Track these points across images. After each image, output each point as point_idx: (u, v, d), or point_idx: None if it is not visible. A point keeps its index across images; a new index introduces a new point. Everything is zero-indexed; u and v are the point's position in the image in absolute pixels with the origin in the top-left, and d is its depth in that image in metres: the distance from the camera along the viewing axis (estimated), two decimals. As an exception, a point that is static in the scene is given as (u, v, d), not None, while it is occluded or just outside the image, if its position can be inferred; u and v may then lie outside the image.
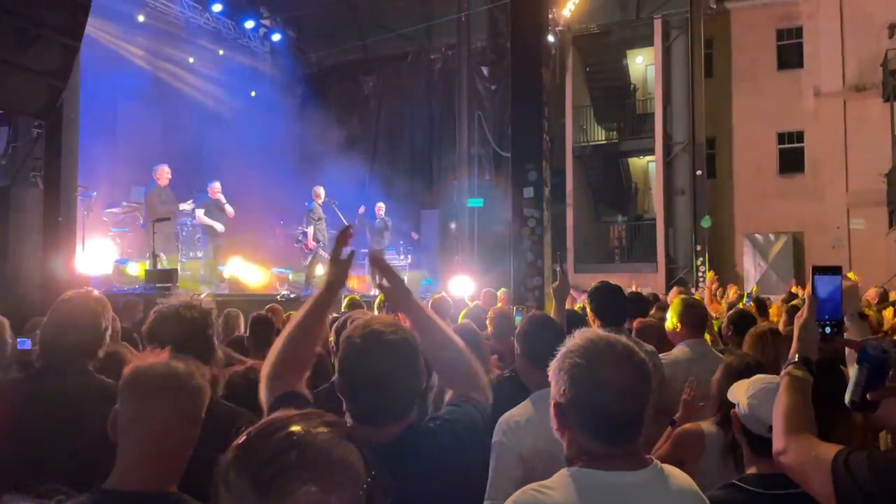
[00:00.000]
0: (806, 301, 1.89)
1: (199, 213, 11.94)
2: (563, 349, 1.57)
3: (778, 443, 1.73)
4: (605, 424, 1.49)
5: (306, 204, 13.30)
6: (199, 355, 2.12)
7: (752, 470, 2.13)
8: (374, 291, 12.67)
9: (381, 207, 14.42)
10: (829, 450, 1.62)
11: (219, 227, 11.96)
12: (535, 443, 2.40)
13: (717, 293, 8.19)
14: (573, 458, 1.53)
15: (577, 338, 1.58)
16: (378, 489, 1.02)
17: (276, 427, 0.99)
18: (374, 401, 1.75)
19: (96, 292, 2.64)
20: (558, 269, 3.76)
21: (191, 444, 1.69)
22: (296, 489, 0.93)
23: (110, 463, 1.67)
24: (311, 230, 12.95)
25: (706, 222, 18.07)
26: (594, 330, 1.61)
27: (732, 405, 2.53)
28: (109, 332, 2.56)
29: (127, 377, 1.70)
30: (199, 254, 12.72)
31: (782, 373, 1.84)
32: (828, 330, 1.88)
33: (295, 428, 0.99)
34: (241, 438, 1.01)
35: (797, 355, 1.83)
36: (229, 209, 12.01)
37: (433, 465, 1.75)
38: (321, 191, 13.22)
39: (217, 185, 12.13)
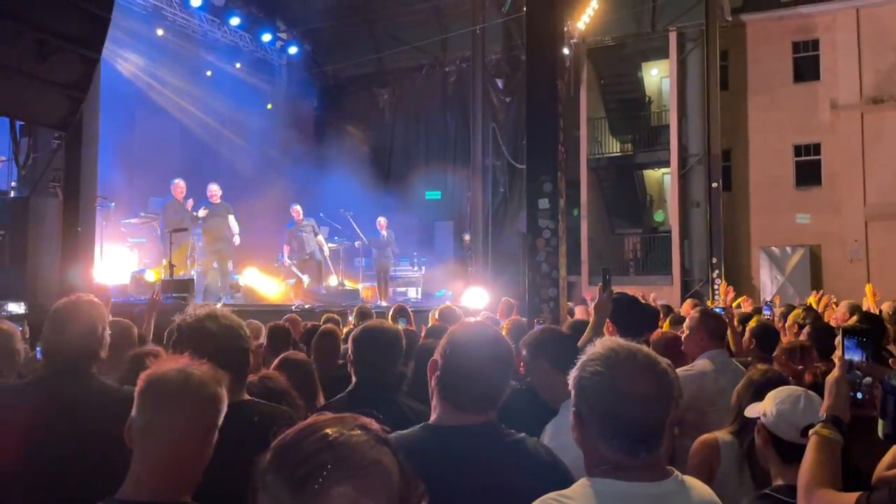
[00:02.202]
0: (837, 362, 1.89)
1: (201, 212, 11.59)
2: (583, 358, 1.56)
3: (800, 502, 1.73)
4: (625, 434, 1.48)
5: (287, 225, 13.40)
6: (232, 365, 2.12)
7: (779, 481, 2.12)
8: (383, 303, 12.71)
9: (382, 223, 14.17)
10: (850, 498, 1.62)
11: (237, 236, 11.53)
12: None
13: (731, 303, 8.10)
14: (593, 468, 1.52)
15: (597, 346, 1.57)
16: (412, 493, 1.03)
17: (312, 429, 1.02)
18: (470, 387, 1.86)
19: (90, 296, 2.63)
20: (600, 285, 3.70)
21: (206, 453, 1.67)
22: (330, 489, 0.95)
23: (118, 468, 1.66)
24: (287, 249, 13.06)
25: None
26: (615, 339, 1.60)
27: (748, 416, 2.52)
28: (108, 333, 2.56)
29: (141, 385, 1.69)
30: (215, 264, 12.76)
31: (810, 432, 1.83)
32: (859, 395, 1.87)
33: (330, 430, 1.01)
34: (278, 440, 1.04)
35: (826, 414, 1.81)
36: (234, 224, 11.78)
37: (502, 461, 1.82)
38: (296, 209, 13.25)
39: (214, 187, 11.75)
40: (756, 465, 2.55)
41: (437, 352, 1.94)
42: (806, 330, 4.92)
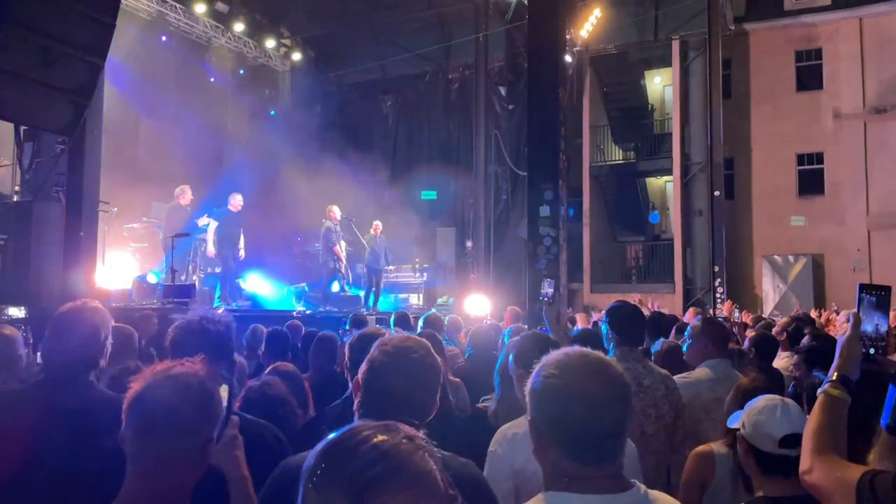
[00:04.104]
0: (851, 319, 1.83)
1: (212, 225, 11.48)
2: (538, 365, 1.54)
3: (804, 462, 1.70)
4: (578, 439, 1.44)
5: (324, 221, 13.29)
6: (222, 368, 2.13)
7: (759, 493, 2.10)
8: (363, 310, 12.60)
9: (377, 227, 13.92)
10: (855, 471, 1.58)
11: (211, 249, 11.38)
12: (531, 457, 2.39)
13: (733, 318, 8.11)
14: (550, 482, 1.48)
15: (552, 353, 1.55)
16: (454, 500, 1.05)
17: (362, 438, 1.04)
18: (388, 411, 1.74)
19: (95, 303, 2.60)
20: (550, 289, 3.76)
21: (203, 462, 1.64)
22: (388, 500, 0.97)
23: (113, 476, 1.64)
24: (342, 247, 12.90)
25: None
26: (571, 347, 1.59)
27: (729, 426, 2.54)
28: (110, 341, 2.53)
29: (125, 410, 1.62)
30: (218, 270, 12.78)
31: (819, 390, 1.78)
32: (872, 350, 1.82)
33: (380, 439, 1.03)
34: (328, 445, 1.05)
35: (836, 373, 1.77)
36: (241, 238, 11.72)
37: None
38: (335, 209, 13.16)
39: (239, 198, 11.72)
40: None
41: (360, 371, 1.90)
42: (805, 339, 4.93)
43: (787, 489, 2.02)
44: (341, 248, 12.97)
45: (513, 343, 2.87)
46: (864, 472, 1.57)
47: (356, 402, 1.88)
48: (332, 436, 1.07)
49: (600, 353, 1.56)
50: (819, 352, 3.60)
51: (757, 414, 2.13)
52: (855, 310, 1.86)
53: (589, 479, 1.44)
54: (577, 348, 1.56)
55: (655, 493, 1.53)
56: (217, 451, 1.77)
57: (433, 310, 8.65)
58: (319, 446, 1.06)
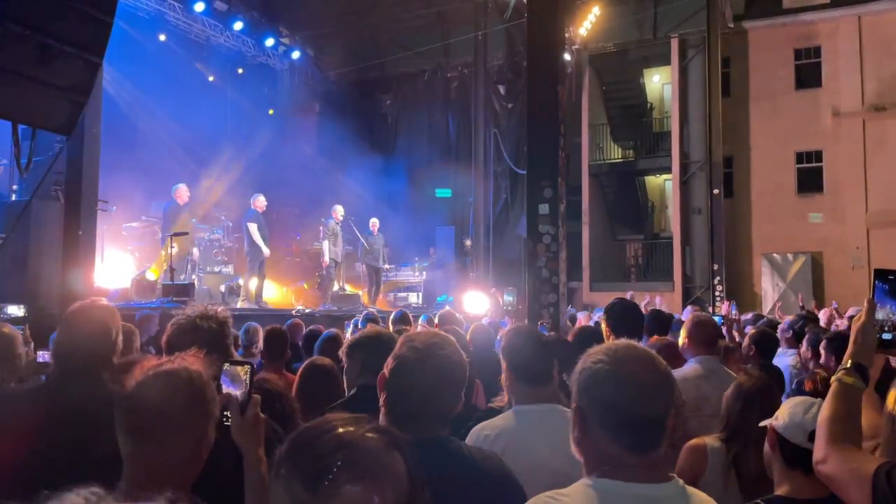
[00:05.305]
0: (865, 305, 1.80)
1: (253, 227, 11.61)
2: (585, 355, 1.57)
3: (818, 452, 1.67)
4: (626, 425, 1.46)
5: (323, 220, 13.32)
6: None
7: (782, 489, 2.07)
8: (371, 308, 12.59)
9: (374, 224, 13.95)
10: (871, 462, 1.56)
11: (265, 250, 11.61)
12: (502, 457, 2.39)
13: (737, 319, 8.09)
14: (592, 468, 1.49)
15: (600, 345, 1.59)
16: (420, 498, 1.06)
17: (328, 427, 1.05)
18: (418, 411, 1.80)
19: (104, 301, 2.62)
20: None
21: (201, 457, 1.63)
22: (341, 488, 0.98)
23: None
24: (325, 246, 12.92)
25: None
26: (620, 339, 1.63)
27: (740, 423, 2.53)
28: (121, 338, 2.55)
29: (118, 411, 1.62)
30: (217, 269, 12.76)
31: (833, 378, 1.75)
32: (885, 336, 1.78)
33: (345, 429, 1.04)
34: (296, 434, 1.07)
35: (850, 360, 1.73)
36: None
37: (445, 478, 1.74)
38: (340, 209, 13.19)
39: (262, 198, 11.90)
40: (742, 471, 2.56)
41: (385, 367, 1.90)
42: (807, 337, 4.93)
43: (808, 487, 2.01)
44: (338, 248, 12.98)
45: (502, 337, 2.88)
46: (880, 464, 1.54)
47: (381, 398, 1.86)
48: (303, 426, 1.09)
49: (644, 346, 1.60)
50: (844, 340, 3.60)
51: (794, 406, 2.12)
52: (870, 296, 1.82)
53: (632, 466, 1.46)
54: (624, 341, 1.60)
55: (693, 489, 1.54)
56: (236, 430, 1.79)
57: (447, 307, 8.66)
58: (291, 435, 1.08)
